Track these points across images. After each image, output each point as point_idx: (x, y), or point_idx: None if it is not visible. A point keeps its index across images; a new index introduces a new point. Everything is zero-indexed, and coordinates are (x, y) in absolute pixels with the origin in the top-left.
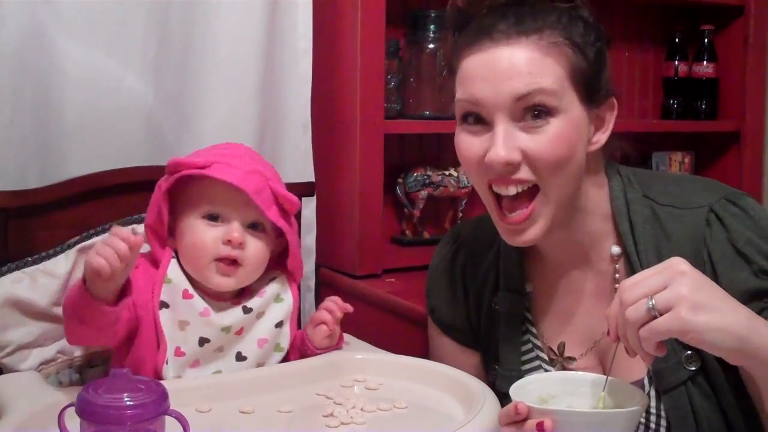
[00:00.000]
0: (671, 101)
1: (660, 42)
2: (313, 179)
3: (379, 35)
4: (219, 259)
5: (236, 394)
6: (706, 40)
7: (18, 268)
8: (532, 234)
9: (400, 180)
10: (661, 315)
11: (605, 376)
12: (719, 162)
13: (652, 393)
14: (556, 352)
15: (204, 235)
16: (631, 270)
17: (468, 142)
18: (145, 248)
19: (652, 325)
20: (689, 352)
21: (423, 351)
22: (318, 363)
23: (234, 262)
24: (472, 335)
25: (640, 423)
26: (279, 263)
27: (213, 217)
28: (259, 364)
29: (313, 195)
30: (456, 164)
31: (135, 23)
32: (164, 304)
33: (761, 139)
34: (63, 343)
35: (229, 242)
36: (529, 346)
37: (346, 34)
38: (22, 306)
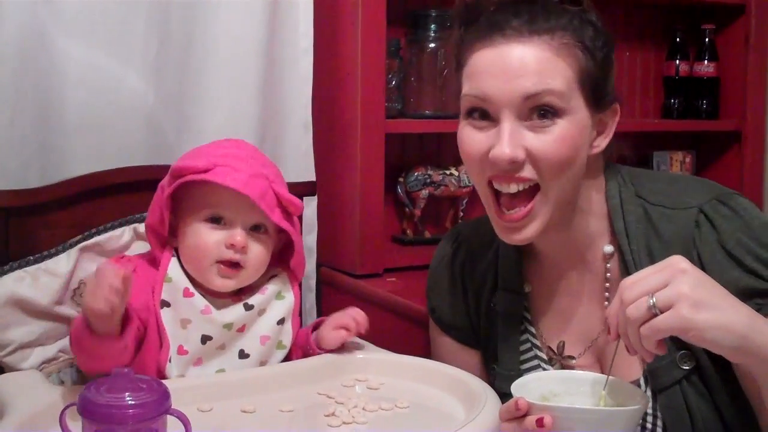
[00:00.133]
0: (672, 100)
1: (661, 41)
2: (314, 179)
3: (380, 35)
4: (221, 262)
5: (238, 393)
6: (707, 40)
7: (19, 267)
8: (528, 232)
9: (401, 179)
10: (661, 313)
11: (606, 376)
12: (720, 161)
13: (648, 393)
14: (556, 351)
15: (207, 238)
16: (626, 269)
17: (472, 137)
18: (146, 248)
19: (653, 323)
20: (683, 351)
21: (424, 350)
22: (319, 362)
23: (236, 265)
24: (473, 334)
25: None
26: (280, 260)
27: (216, 220)
28: (262, 362)
29: (314, 194)
30: (457, 164)
31: (136, 23)
32: (165, 303)
33: (762, 138)
34: (64, 342)
35: (231, 246)
36: (528, 345)
37: (347, 33)
38: (23, 305)
